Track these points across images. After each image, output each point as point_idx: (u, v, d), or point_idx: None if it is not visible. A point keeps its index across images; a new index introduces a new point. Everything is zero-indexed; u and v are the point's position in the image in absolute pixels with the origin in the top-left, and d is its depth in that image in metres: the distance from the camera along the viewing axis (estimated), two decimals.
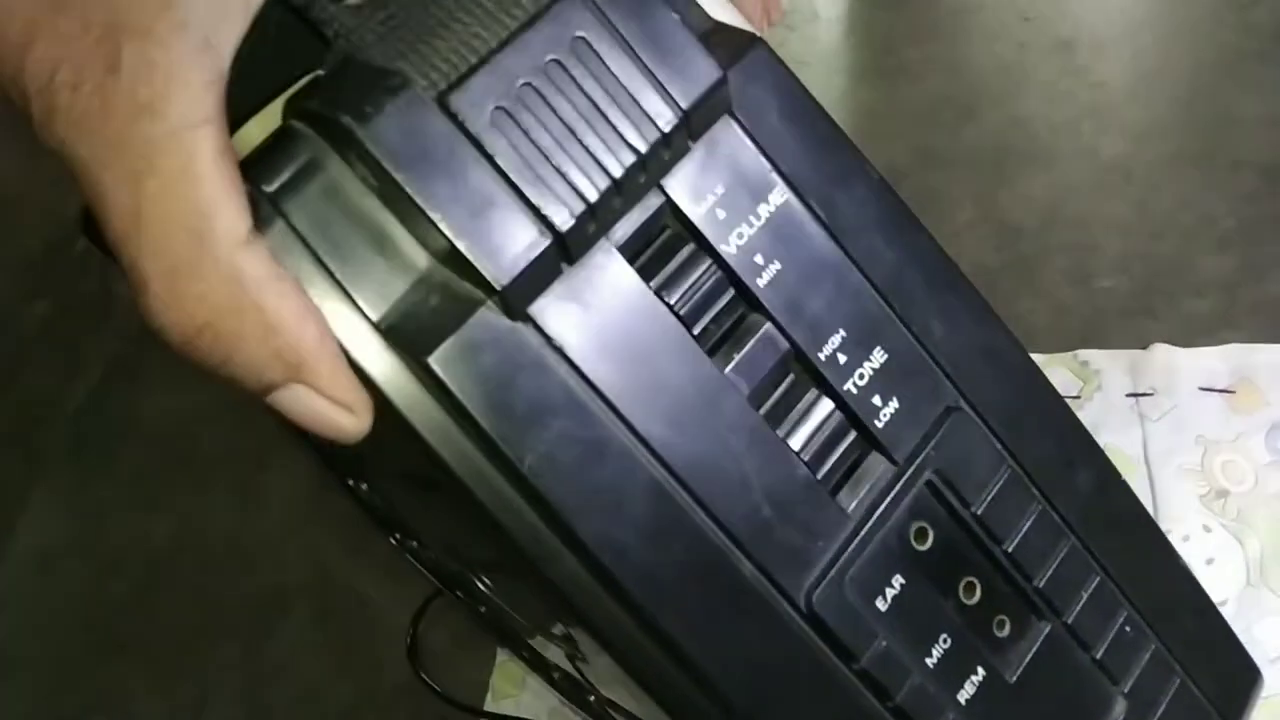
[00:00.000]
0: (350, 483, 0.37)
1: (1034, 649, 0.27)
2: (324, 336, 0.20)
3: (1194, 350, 0.53)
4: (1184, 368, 0.53)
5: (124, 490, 0.68)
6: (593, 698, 0.38)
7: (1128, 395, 0.52)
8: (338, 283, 0.20)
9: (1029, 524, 0.26)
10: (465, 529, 0.26)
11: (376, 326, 0.21)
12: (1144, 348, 0.54)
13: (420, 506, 0.32)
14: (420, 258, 0.21)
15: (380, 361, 0.21)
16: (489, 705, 0.52)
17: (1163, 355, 0.53)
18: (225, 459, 0.65)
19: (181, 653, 0.59)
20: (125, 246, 0.18)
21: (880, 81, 0.76)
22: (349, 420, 0.21)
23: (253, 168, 0.20)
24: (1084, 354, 0.54)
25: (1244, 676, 0.32)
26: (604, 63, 0.21)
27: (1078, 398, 0.53)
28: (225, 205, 0.18)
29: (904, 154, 0.67)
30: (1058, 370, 0.54)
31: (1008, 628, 0.26)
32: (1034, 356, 0.53)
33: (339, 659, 0.56)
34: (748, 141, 0.23)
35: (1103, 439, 0.52)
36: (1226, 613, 0.45)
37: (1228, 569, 0.47)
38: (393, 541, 0.41)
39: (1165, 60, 0.69)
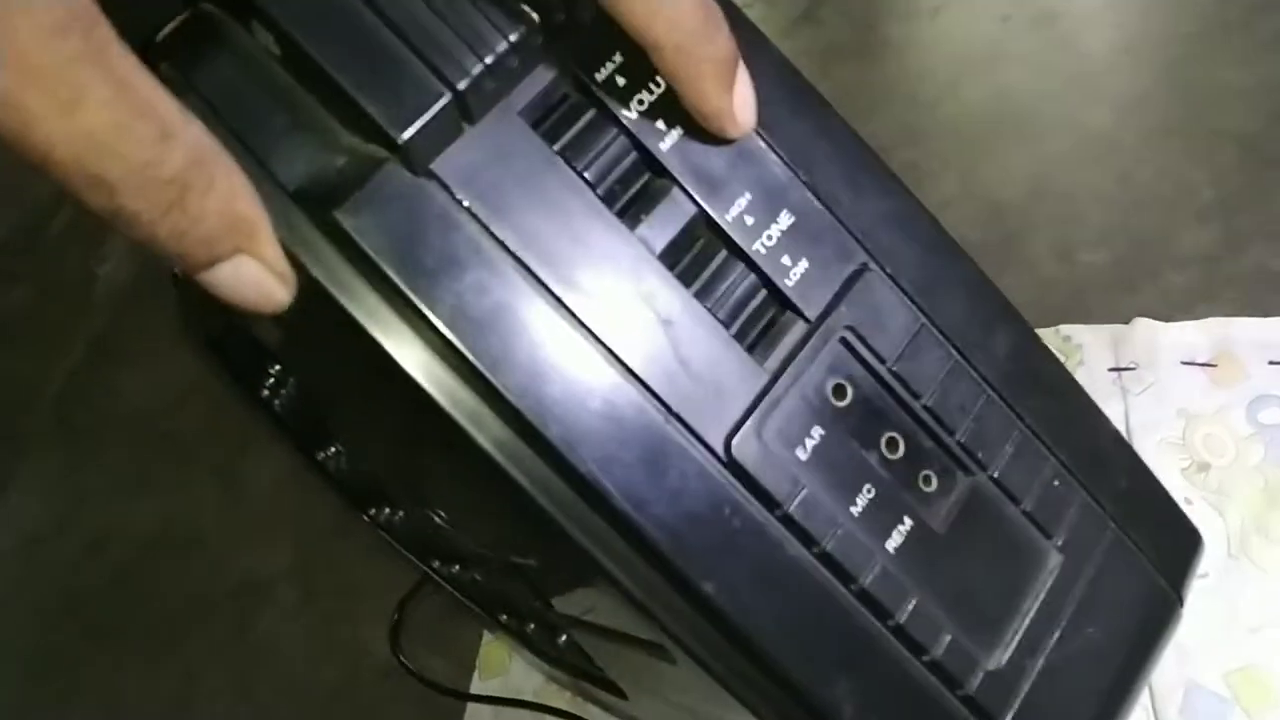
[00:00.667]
0: (321, 456, 0.37)
1: (961, 502, 0.27)
2: (258, 200, 0.20)
3: (1175, 324, 0.53)
4: (1165, 342, 0.53)
5: (106, 474, 0.68)
6: (563, 638, 0.37)
7: (1110, 370, 0.52)
8: (250, 150, 0.21)
9: (945, 378, 0.27)
10: (410, 430, 0.27)
11: (285, 190, 0.21)
12: (1126, 322, 0.54)
13: (389, 450, 0.32)
14: (327, 124, 0.22)
15: (292, 227, 0.21)
16: (475, 685, 0.53)
17: (1144, 330, 0.53)
18: (207, 441, 0.65)
19: (166, 638, 0.59)
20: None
21: (861, 56, 0.76)
22: (283, 291, 0.21)
23: (163, 47, 0.21)
24: (1066, 329, 0.54)
25: (1184, 539, 0.32)
26: None
27: None
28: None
29: (885, 129, 0.66)
30: None
31: (934, 482, 0.27)
32: None
33: (324, 643, 0.56)
34: None
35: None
36: (1207, 585, 0.45)
37: (1209, 541, 0.47)
38: (367, 519, 0.41)
39: (1148, 31, 0.69)
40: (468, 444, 0.23)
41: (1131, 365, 0.52)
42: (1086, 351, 0.53)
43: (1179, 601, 0.31)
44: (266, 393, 0.36)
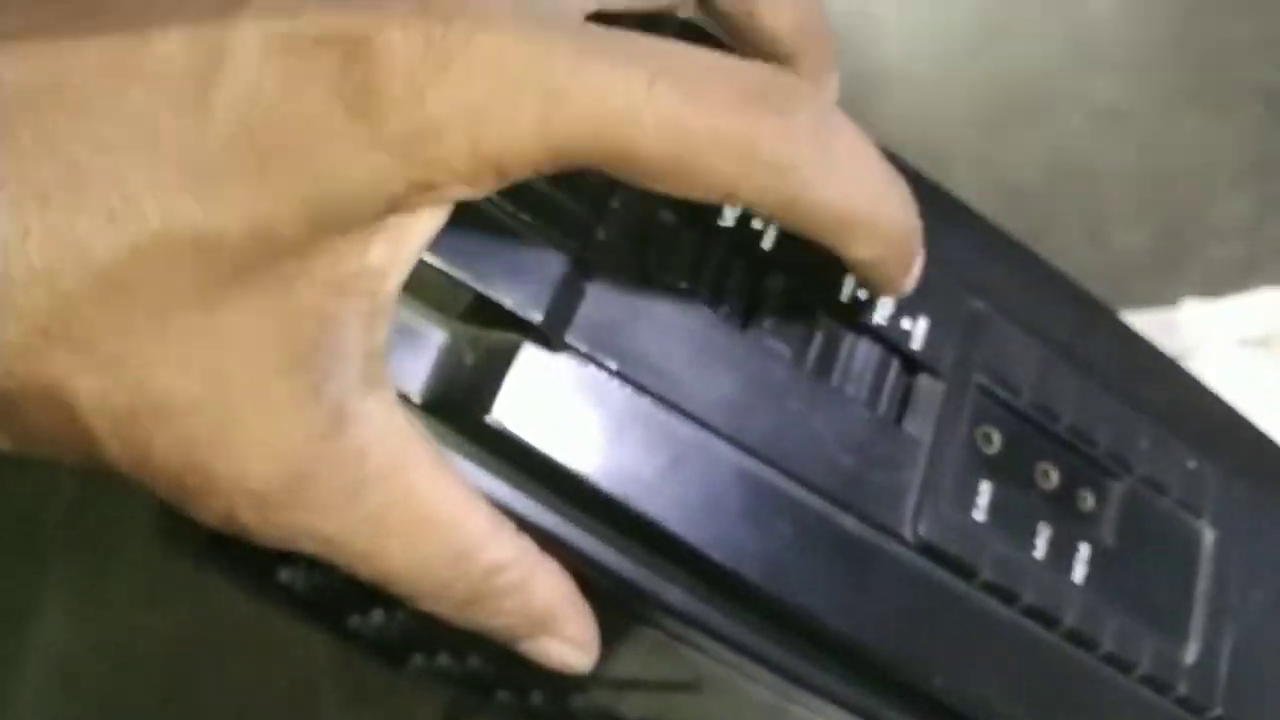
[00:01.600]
0: (350, 620, 0.34)
1: (1119, 509, 0.27)
2: (563, 581, 0.21)
3: (1225, 301, 0.51)
4: (1218, 322, 0.50)
5: (131, 583, 0.65)
6: None
7: None
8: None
9: (1076, 395, 0.27)
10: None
11: (416, 404, 0.20)
12: (1173, 304, 0.51)
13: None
14: (440, 327, 0.21)
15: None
16: None
17: (1194, 311, 0.51)
18: None
19: None
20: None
21: (853, 38, 0.73)
22: (586, 661, 0.21)
23: None
24: None
25: None
26: None
27: None
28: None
29: (887, 116, 0.64)
30: None
31: (1091, 500, 0.27)
32: None
33: None
34: None
35: None
36: None
37: None
38: (411, 666, 0.38)
39: None
40: (665, 608, 0.22)
41: (1185, 352, 0.50)
42: None
43: None
44: (286, 576, 0.34)
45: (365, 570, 0.18)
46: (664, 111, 0.16)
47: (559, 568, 0.21)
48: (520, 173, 0.17)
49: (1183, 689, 0.26)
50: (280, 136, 0.15)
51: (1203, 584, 0.28)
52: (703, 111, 0.17)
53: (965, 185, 0.61)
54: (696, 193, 0.17)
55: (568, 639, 0.21)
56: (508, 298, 0.20)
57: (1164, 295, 0.52)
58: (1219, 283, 0.52)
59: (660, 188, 0.17)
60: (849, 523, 0.23)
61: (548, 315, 0.21)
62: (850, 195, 0.19)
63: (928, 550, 0.24)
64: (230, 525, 0.17)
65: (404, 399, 0.20)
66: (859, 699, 0.24)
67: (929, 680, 0.23)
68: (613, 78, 0.16)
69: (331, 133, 0.15)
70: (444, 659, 0.39)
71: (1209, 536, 0.29)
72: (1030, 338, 0.27)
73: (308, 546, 0.17)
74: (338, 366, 0.16)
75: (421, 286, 0.20)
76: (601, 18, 0.19)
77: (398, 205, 0.16)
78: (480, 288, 0.20)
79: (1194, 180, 0.56)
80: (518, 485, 0.21)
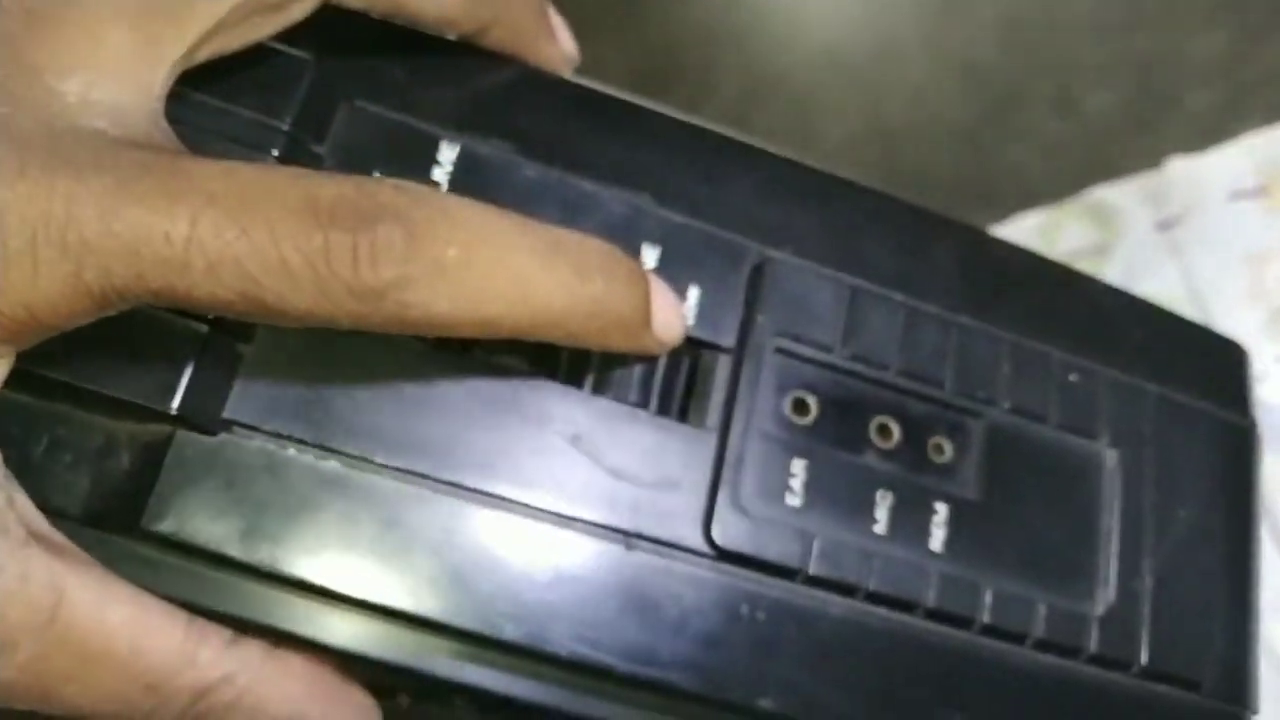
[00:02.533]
0: None
1: (986, 452, 0.23)
2: (306, 677, 0.19)
3: (1211, 153, 0.47)
4: (1207, 177, 0.47)
5: None
6: None
7: (1155, 228, 0.47)
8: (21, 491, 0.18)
9: (903, 332, 0.23)
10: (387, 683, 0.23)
11: (77, 519, 0.18)
12: (1157, 166, 0.48)
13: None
14: (92, 425, 0.19)
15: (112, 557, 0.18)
16: None
17: (1180, 169, 0.47)
18: None
19: None
20: None
21: None
22: None
23: None
24: (1094, 194, 0.49)
25: (1226, 358, 0.27)
26: None
27: (1100, 250, 0.47)
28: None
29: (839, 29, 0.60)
30: (1072, 224, 0.48)
31: (947, 448, 0.23)
32: (1042, 211, 0.49)
33: None
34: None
35: (1140, 289, 0.47)
36: None
37: None
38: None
39: None
40: (438, 683, 0.20)
41: (1177, 217, 0.47)
42: (1124, 217, 0.48)
43: (1250, 423, 0.27)
44: None
45: (58, 713, 0.17)
46: (212, 252, 0.15)
47: (301, 663, 0.19)
48: (67, 324, 0.16)
49: (1093, 646, 0.23)
50: None
51: (1109, 516, 0.24)
52: (259, 245, 0.15)
53: (927, 73, 0.58)
54: (282, 322, 0.16)
55: None
56: (131, 392, 0.18)
57: (1145, 158, 0.49)
58: (1203, 133, 0.48)
59: (244, 318, 0.16)
60: (632, 553, 0.20)
61: (185, 398, 0.18)
62: (475, 301, 0.17)
63: (731, 559, 0.21)
64: None
65: (65, 516, 0.18)
66: None
67: (754, 702, 0.20)
68: (149, 223, 0.15)
69: None
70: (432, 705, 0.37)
71: (1110, 458, 0.24)
72: (835, 280, 0.23)
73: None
74: None
75: (58, 395, 0.18)
76: None
77: None
78: (101, 388, 0.18)
79: (1162, 22, 0.52)
80: (224, 584, 0.19)
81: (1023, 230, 0.48)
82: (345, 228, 0.16)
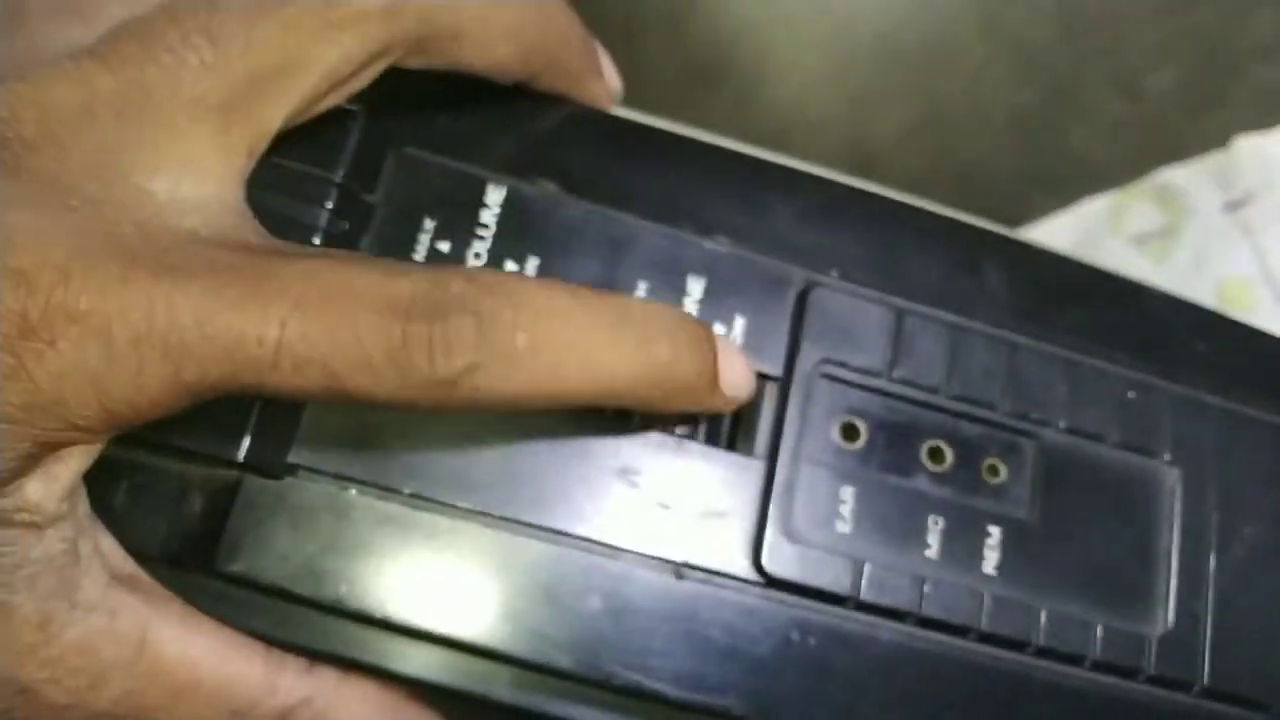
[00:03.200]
0: None
1: (1042, 473, 0.23)
2: (377, 700, 0.20)
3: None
4: (1277, 154, 0.46)
5: None
6: None
7: (1224, 209, 0.46)
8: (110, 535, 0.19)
9: (952, 354, 0.23)
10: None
11: (159, 560, 0.19)
12: (1224, 146, 0.47)
13: None
14: (167, 470, 0.20)
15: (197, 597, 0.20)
16: None
17: (1249, 148, 0.47)
18: None
19: None
20: None
21: None
22: None
23: None
24: (1160, 176, 0.48)
25: None
26: None
27: (1168, 233, 0.47)
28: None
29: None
30: (1137, 206, 0.48)
31: (1002, 470, 0.23)
32: (1107, 195, 0.48)
33: None
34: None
35: (1212, 271, 0.47)
36: None
37: None
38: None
39: None
40: (501, 708, 0.21)
41: (1247, 196, 0.46)
42: (1191, 198, 0.47)
43: None
44: None
45: None
46: (300, 352, 0.16)
47: (373, 687, 0.20)
48: (163, 414, 0.17)
49: (1152, 668, 0.22)
50: None
51: (1169, 535, 0.24)
52: (344, 343, 0.16)
53: (983, 58, 0.57)
54: (368, 405, 0.17)
55: None
56: (199, 441, 0.19)
57: (1211, 137, 0.48)
58: (1270, 109, 0.47)
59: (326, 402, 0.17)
60: (684, 582, 0.21)
61: (251, 445, 0.19)
62: (545, 381, 0.18)
63: (781, 586, 0.21)
64: None
65: (145, 557, 0.19)
66: None
67: None
68: (242, 327, 0.16)
69: None
70: None
71: (1170, 476, 0.24)
72: (882, 302, 0.23)
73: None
74: (25, 584, 0.17)
75: (140, 445, 0.19)
76: None
77: (36, 459, 0.16)
78: (174, 439, 0.19)
79: None
80: (296, 618, 0.20)
81: (1089, 215, 0.48)
82: (422, 321, 0.17)
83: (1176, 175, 0.47)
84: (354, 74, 0.19)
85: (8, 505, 0.17)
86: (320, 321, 0.16)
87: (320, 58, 0.18)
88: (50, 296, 0.16)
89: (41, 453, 0.17)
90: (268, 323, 0.16)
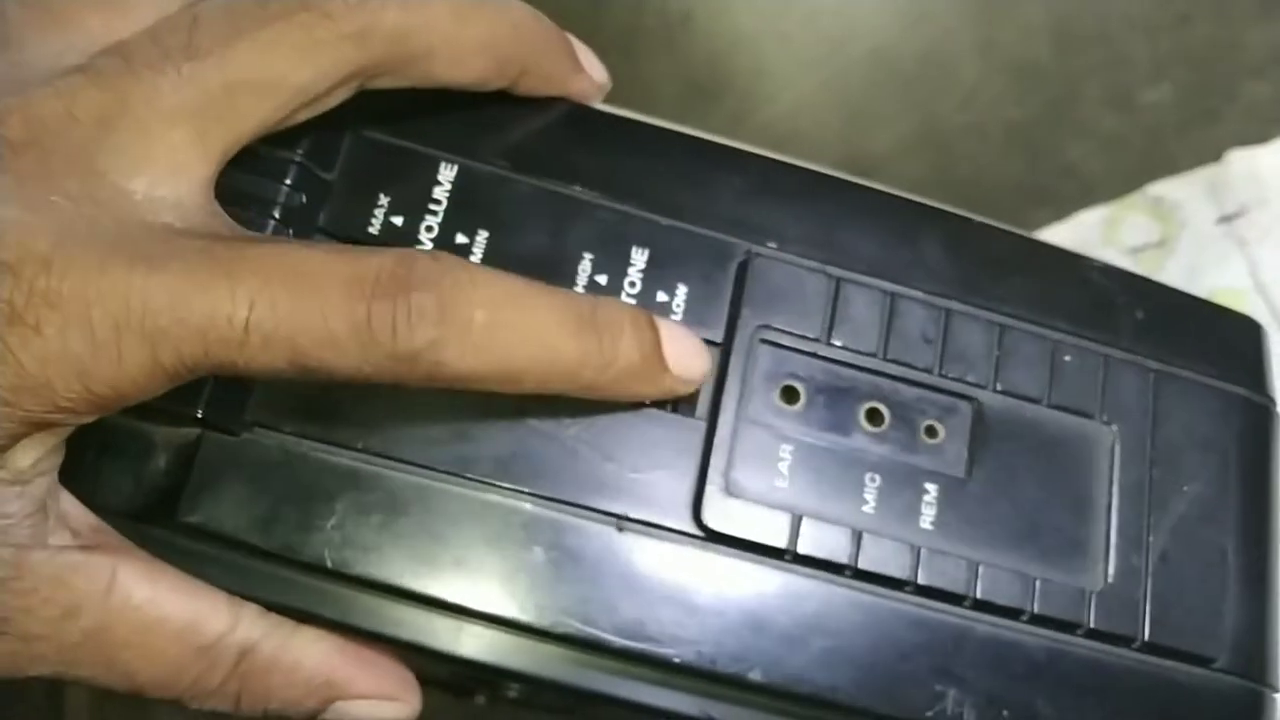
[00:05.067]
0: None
1: (978, 432, 0.24)
2: (334, 642, 0.21)
3: (1274, 144, 0.47)
4: (1270, 168, 0.46)
5: None
6: None
7: (1218, 222, 0.46)
8: (76, 493, 0.20)
9: (888, 320, 0.24)
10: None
11: (126, 515, 0.20)
12: (1218, 160, 0.47)
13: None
14: (133, 430, 0.21)
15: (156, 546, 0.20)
16: None
17: (1242, 162, 0.47)
18: None
19: None
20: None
21: None
22: (402, 707, 0.22)
23: None
24: (1154, 189, 0.48)
25: (1240, 334, 0.27)
26: None
27: (1162, 244, 0.47)
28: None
29: (880, 26, 0.60)
30: (1132, 218, 0.48)
31: (940, 430, 0.24)
32: (1101, 208, 0.48)
33: None
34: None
35: (1205, 282, 0.47)
36: None
37: None
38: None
39: None
40: (443, 657, 0.22)
41: (1240, 209, 0.46)
42: (1185, 209, 0.47)
43: (1269, 400, 0.26)
44: None
45: (114, 683, 0.19)
46: (269, 330, 0.17)
47: (328, 633, 0.21)
48: (143, 396, 0.18)
49: (1091, 621, 0.23)
50: None
51: (1108, 493, 0.24)
52: (310, 320, 0.17)
53: (976, 75, 0.58)
54: (329, 381, 0.18)
55: (362, 694, 0.21)
56: (168, 400, 0.20)
57: (1205, 151, 0.48)
58: (1265, 125, 0.48)
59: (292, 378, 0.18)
60: (624, 534, 0.22)
61: (210, 402, 0.20)
62: (500, 358, 0.19)
63: (719, 539, 0.22)
64: None
65: (112, 512, 0.20)
66: (679, 707, 0.22)
67: (745, 675, 0.21)
68: (213, 307, 0.17)
69: None
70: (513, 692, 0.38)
71: (1108, 436, 0.24)
72: (820, 271, 0.24)
73: (45, 670, 0.18)
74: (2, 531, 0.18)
75: None
76: None
77: (22, 434, 0.17)
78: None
79: (1215, 13, 0.52)
80: (249, 571, 0.21)
81: (1083, 227, 0.48)
82: (385, 298, 0.17)
83: (1170, 188, 0.48)
84: (327, 93, 0.20)
85: None
86: (287, 299, 0.17)
87: (293, 78, 0.19)
88: (34, 285, 0.16)
89: (28, 431, 0.17)
90: (237, 303, 0.17)
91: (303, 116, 0.20)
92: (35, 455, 0.18)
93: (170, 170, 0.19)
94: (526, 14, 0.23)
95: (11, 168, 0.17)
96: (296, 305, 0.17)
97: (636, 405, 0.22)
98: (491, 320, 0.18)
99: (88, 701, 0.50)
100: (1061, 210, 0.50)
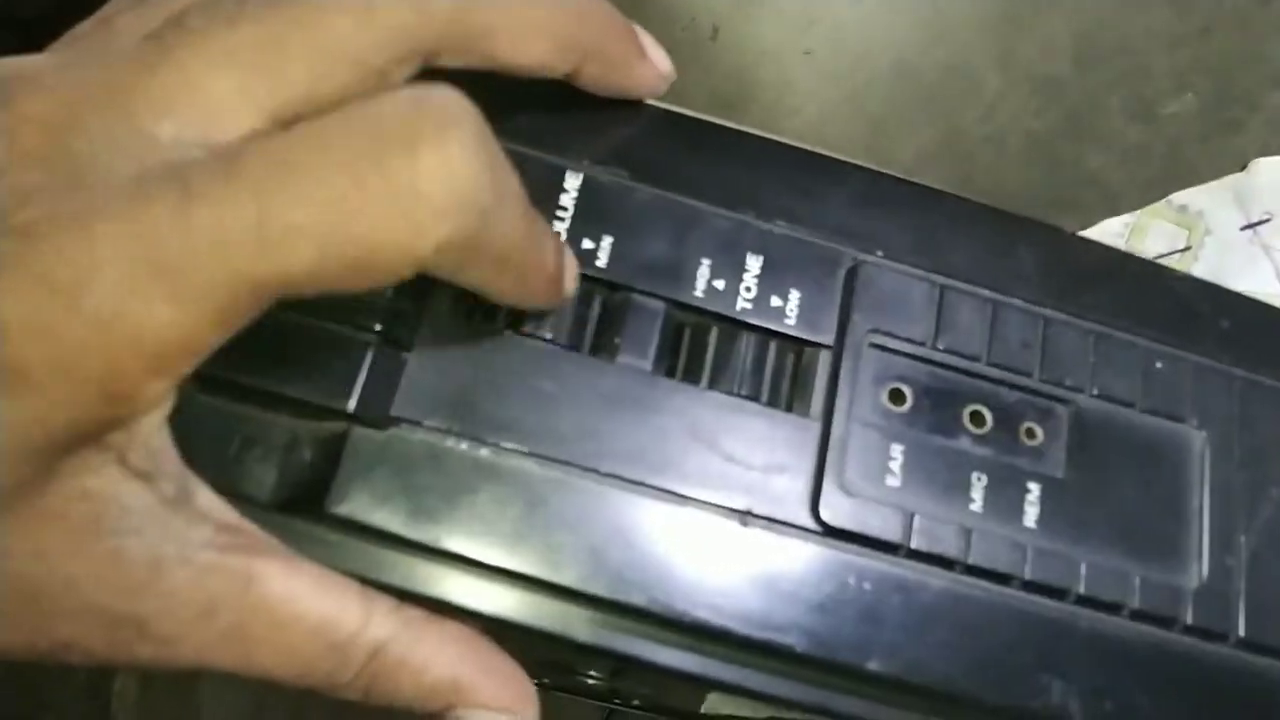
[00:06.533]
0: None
1: (1074, 436, 0.25)
2: (467, 645, 0.21)
3: None
4: None
5: None
6: None
7: (1242, 229, 0.47)
8: (217, 486, 0.20)
9: (992, 326, 0.25)
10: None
11: (270, 508, 0.21)
12: (1243, 168, 0.48)
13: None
14: (277, 424, 0.21)
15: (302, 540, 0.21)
16: None
17: (1266, 170, 0.48)
18: None
19: None
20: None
21: None
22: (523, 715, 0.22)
23: None
24: (1178, 197, 0.49)
25: None
26: None
27: (1188, 249, 0.47)
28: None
29: (898, 24, 0.61)
30: (1156, 226, 0.48)
31: (1038, 432, 0.25)
32: (1125, 216, 0.49)
33: None
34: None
35: (1231, 288, 0.47)
36: None
37: None
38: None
39: None
40: (577, 646, 0.22)
41: (1266, 217, 0.46)
42: (1209, 217, 0.48)
43: None
44: None
45: (249, 676, 0.19)
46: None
47: (458, 631, 0.21)
48: (204, 347, 0.17)
49: (1189, 618, 0.24)
50: None
51: (1200, 494, 0.25)
52: (338, 214, 0.16)
53: (997, 89, 0.58)
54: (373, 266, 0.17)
55: (484, 704, 0.21)
56: (313, 394, 0.21)
57: (1229, 160, 0.49)
58: None
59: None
60: (749, 528, 0.22)
61: (360, 398, 0.21)
62: (511, 232, 0.18)
63: (837, 535, 0.23)
64: (113, 662, 0.18)
65: (254, 503, 0.21)
66: (799, 696, 0.23)
67: (862, 664, 0.22)
68: (236, 241, 0.15)
69: None
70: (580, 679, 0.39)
71: (1197, 439, 0.25)
72: (925, 279, 0.25)
73: (183, 667, 0.18)
74: (128, 525, 0.18)
75: (249, 398, 0.21)
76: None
77: (114, 420, 0.17)
78: (289, 391, 0.21)
79: (1236, 26, 0.52)
80: (389, 561, 0.21)
81: (1106, 235, 0.49)
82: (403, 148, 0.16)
83: (1194, 197, 0.48)
84: (385, 68, 0.19)
85: (88, 465, 0.17)
86: (305, 201, 0.16)
87: (349, 42, 0.19)
88: (54, 296, 0.16)
89: (109, 422, 0.17)
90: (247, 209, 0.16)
91: (360, 89, 0.19)
92: (129, 437, 0.17)
93: (205, 117, 0.17)
94: None
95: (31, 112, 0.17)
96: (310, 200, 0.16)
97: (748, 402, 0.23)
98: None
99: (135, 684, 0.50)
100: (1084, 221, 0.50)
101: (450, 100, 0.17)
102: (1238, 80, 0.51)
